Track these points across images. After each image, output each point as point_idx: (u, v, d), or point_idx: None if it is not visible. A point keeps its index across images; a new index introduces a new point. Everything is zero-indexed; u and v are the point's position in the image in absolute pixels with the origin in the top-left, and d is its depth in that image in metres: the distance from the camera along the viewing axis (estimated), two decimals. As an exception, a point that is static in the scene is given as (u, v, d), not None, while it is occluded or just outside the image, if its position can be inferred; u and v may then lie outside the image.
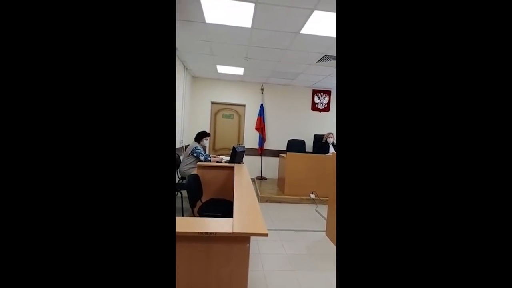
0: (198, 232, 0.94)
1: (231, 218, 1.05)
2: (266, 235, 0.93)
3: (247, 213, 1.19)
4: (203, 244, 0.97)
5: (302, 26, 2.54)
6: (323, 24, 2.47)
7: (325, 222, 3.16)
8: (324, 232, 2.85)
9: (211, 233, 0.93)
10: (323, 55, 3.38)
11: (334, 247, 2.48)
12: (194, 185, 2.25)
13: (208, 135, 3.54)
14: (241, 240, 0.96)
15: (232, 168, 2.69)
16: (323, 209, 3.62)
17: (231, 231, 0.94)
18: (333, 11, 2.22)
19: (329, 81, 4.83)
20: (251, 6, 2.21)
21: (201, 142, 3.46)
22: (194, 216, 2.12)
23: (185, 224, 1.03)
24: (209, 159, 3.22)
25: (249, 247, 0.98)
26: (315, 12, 2.26)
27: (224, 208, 2.25)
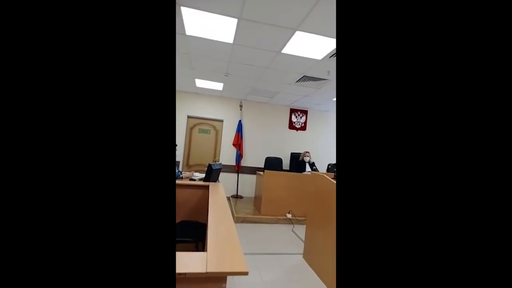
0: (164, 273, 0.77)
1: (205, 253, 0.90)
2: (246, 273, 0.80)
3: (223, 244, 1.04)
4: (169, 287, 0.80)
5: (284, 45, 2.57)
6: (304, 45, 2.52)
7: (301, 243, 3.06)
8: (301, 255, 2.74)
9: (180, 273, 0.77)
10: (302, 75, 3.45)
11: (312, 272, 2.38)
12: (163, 206, 2.03)
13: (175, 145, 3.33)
14: (217, 280, 0.81)
15: (207, 187, 2.51)
16: (300, 229, 3.52)
17: (205, 271, 0.79)
18: (315, 33, 2.27)
19: (307, 101, 4.95)
20: (234, 21, 2.18)
21: None
22: (162, 241, 1.90)
23: (148, 260, 0.85)
24: (181, 176, 3.01)
25: (225, 287, 0.83)
26: (297, 33, 2.29)
27: (196, 232, 2.05)
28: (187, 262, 0.85)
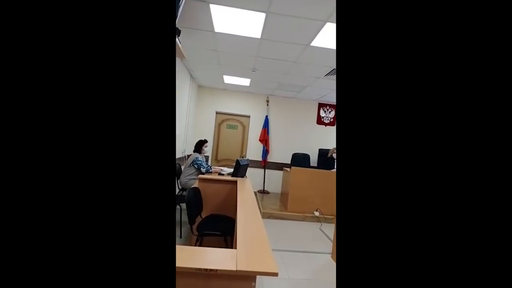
0: (197, 268, 0.80)
1: (235, 250, 0.92)
2: (276, 274, 0.79)
3: (252, 242, 1.05)
4: (201, 281, 0.83)
5: (313, 38, 2.47)
6: (334, 37, 2.39)
7: (330, 242, 2.99)
8: (330, 255, 2.67)
9: (211, 270, 0.79)
10: (332, 68, 3.30)
11: (341, 273, 2.31)
12: (193, 200, 2.11)
13: (206, 141, 3.44)
14: (246, 278, 0.82)
15: (235, 182, 2.55)
16: (328, 228, 3.44)
17: (235, 269, 0.80)
18: (347, 24, 2.15)
19: (336, 95, 4.75)
20: (262, 16, 2.14)
21: (202, 152, 3.37)
22: (193, 232, 1.97)
23: (180, 255, 0.89)
24: (211, 170, 3.10)
25: (254, 286, 0.84)
26: (327, 24, 2.19)
27: (224, 226, 2.10)
28: (217, 258, 0.87)
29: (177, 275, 0.81)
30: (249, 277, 0.83)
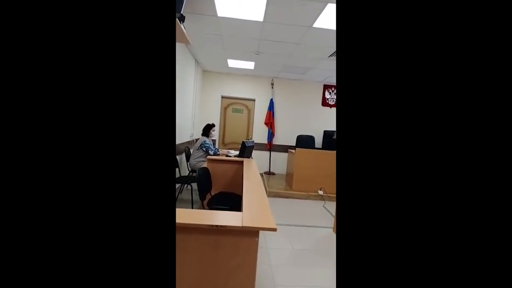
0: (208, 225, 0.96)
1: (240, 212, 1.07)
2: (275, 229, 0.94)
3: (256, 207, 1.20)
4: (212, 237, 0.99)
5: (315, 19, 2.49)
6: (336, 17, 2.41)
7: (332, 218, 3.16)
8: (332, 229, 2.85)
9: (220, 226, 0.95)
10: (335, 50, 3.31)
11: (342, 244, 2.48)
12: (203, 178, 2.28)
13: (213, 125, 3.59)
14: (250, 234, 0.98)
15: (241, 162, 2.71)
16: (331, 206, 3.60)
17: (241, 225, 0.95)
18: (348, 4, 2.16)
19: (341, 76, 4.73)
20: (264, -1, 2.18)
21: (210, 135, 3.52)
22: (204, 208, 2.16)
23: (195, 216, 1.05)
24: (218, 153, 3.27)
25: (257, 241, 0.99)
26: (329, 5, 2.21)
27: (232, 201, 2.28)
28: (226, 218, 1.03)
29: (192, 231, 0.97)
30: (253, 232, 0.98)
